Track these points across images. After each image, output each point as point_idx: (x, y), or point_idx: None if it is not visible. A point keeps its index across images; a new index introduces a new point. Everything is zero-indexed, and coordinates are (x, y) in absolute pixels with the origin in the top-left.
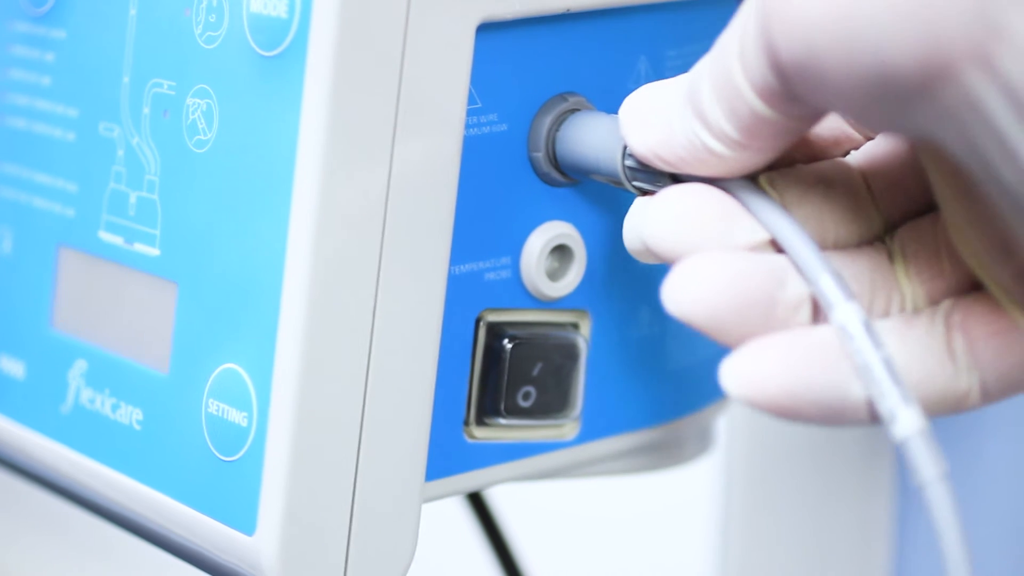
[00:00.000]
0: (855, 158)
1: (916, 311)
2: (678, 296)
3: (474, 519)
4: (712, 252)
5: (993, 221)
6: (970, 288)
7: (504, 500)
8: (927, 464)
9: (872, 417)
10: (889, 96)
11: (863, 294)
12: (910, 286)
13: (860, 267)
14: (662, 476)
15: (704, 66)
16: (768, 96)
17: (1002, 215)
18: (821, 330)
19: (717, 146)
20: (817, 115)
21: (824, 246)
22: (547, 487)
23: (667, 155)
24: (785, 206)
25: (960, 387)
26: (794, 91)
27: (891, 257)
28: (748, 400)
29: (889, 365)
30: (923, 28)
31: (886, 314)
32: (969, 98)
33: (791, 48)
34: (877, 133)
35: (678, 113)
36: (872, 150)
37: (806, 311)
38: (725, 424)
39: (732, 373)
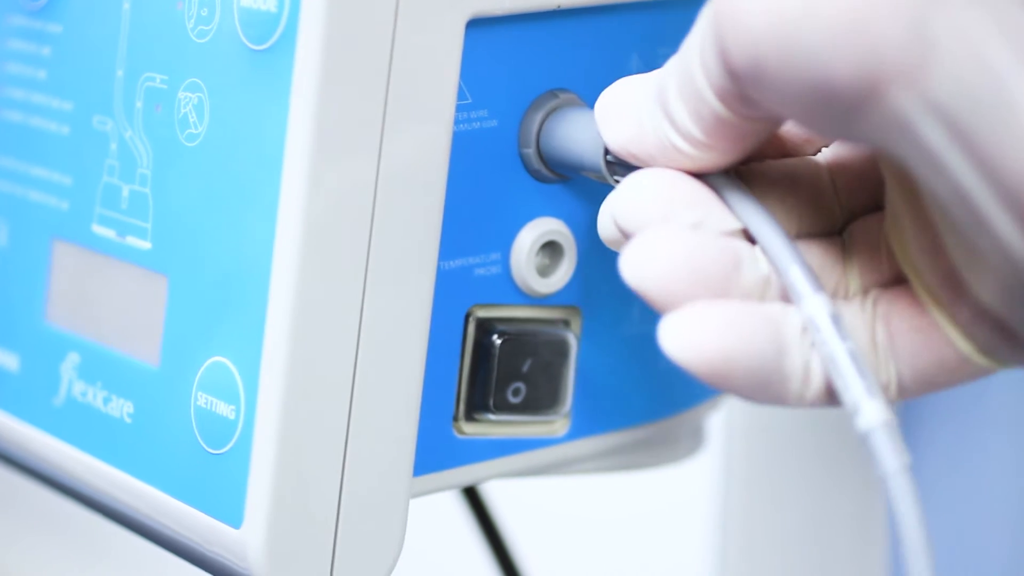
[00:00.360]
0: (824, 155)
1: (848, 299)
2: (635, 267)
3: (471, 517)
4: (673, 227)
5: (929, 223)
6: (898, 283)
7: (501, 498)
8: (889, 456)
9: (797, 398)
10: (829, 108)
11: None
12: (854, 277)
13: (811, 255)
14: (660, 474)
15: (671, 67)
16: (725, 98)
17: (935, 220)
18: (768, 305)
19: (684, 145)
20: (776, 119)
21: None
22: (545, 485)
23: (638, 151)
24: None
25: (880, 379)
26: (747, 95)
27: (842, 248)
28: (684, 360)
29: (855, 357)
30: (858, 48)
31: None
32: (898, 118)
33: (740, 55)
34: (825, 139)
35: (648, 111)
36: (839, 149)
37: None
38: (723, 423)
39: (672, 331)
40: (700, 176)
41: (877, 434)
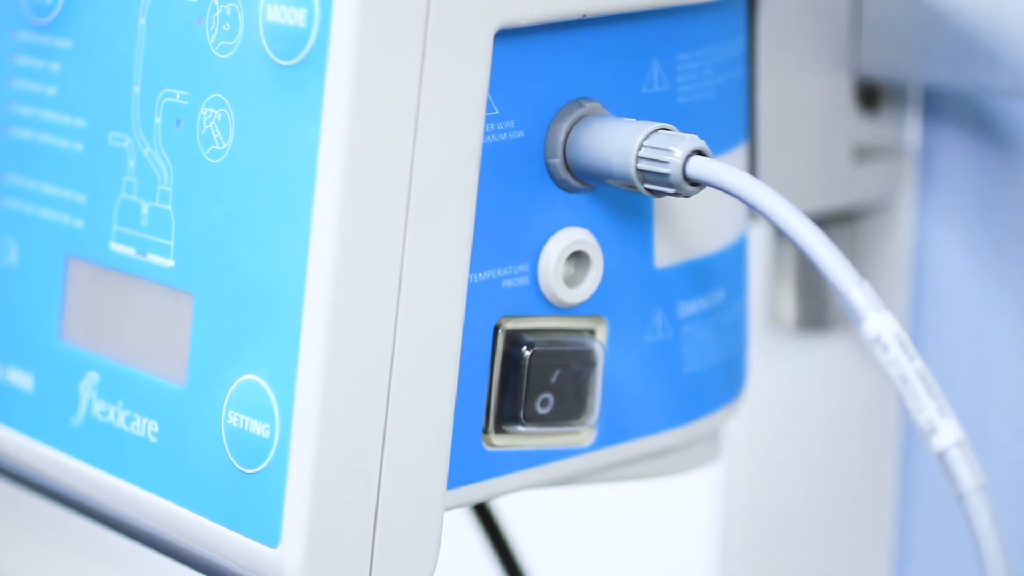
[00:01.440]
0: None
1: None
2: None
3: (477, 522)
4: None
5: None
6: None
7: (506, 504)
8: (966, 475)
9: None
10: None
11: None
12: None
13: None
14: (664, 481)
15: None
16: None
17: None
18: None
19: None
20: None
21: None
22: (549, 489)
23: None
24: None
25: None
26: None
27: None
28: None
29: (925, 377)
30: None
31: None
32: None
33: None
34: None
35: None
36: None
37: None
38: (726, 427)
39: None
40: (744, 196)
41: (953, 454)
